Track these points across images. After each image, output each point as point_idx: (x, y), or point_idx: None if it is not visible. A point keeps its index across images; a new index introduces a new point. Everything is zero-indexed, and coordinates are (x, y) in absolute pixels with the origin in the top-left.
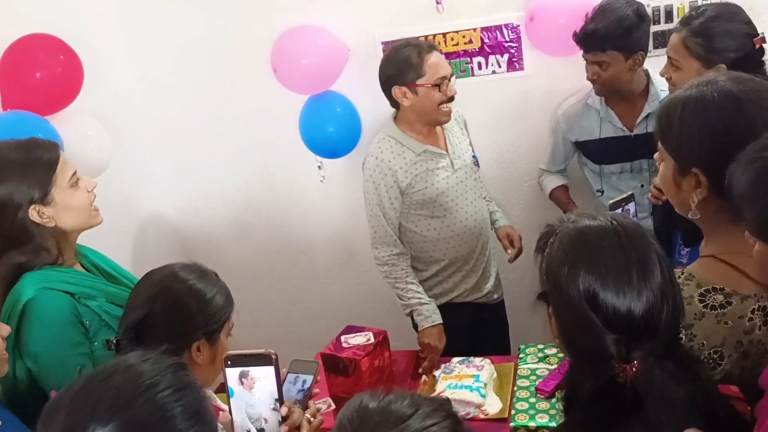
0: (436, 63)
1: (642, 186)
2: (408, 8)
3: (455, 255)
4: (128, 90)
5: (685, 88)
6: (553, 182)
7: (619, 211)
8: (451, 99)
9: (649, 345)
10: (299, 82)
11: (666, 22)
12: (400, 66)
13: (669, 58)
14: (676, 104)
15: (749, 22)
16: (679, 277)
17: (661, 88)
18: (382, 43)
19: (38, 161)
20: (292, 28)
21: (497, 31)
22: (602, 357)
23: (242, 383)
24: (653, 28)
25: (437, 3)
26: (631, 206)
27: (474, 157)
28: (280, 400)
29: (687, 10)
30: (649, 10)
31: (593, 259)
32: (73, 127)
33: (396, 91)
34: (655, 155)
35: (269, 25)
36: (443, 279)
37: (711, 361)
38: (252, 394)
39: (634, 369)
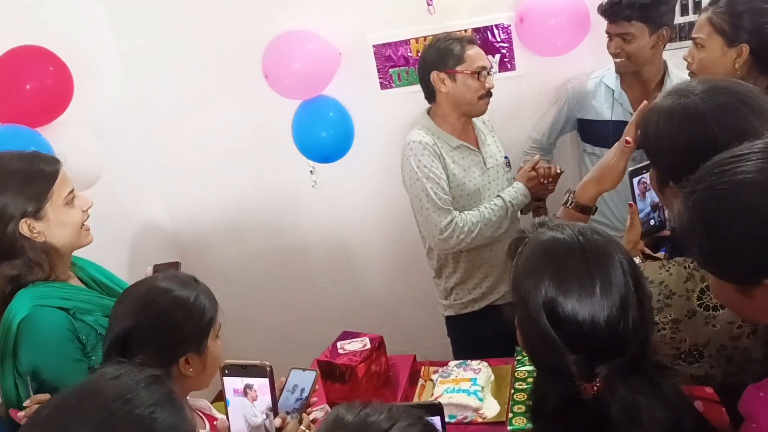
0: (476, 53)
1: None
2: (399, 10)
3: (490, 255)
4: (120, 99)
5: (662, 96)
6: None
7: (637, 179)
8: (489, 93)
9: (613, 363)
10: (291, 87)
11: None
12: (442, 53)
13: (693, 39)
14: (651, 117)
15: None
16: (688, 266)
17: (677, 81)
18: (374, 46)
19: (38, 174)
20: (283, 33)
21: (488, 32)
22: (564, 374)
23: (246, 394)
24: None
25: (428, 5)
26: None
27: (506, 158)
28: (274, 411)
29: (678, 7)
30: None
31: (556, 273)
32: (64, 138)
33: (434, 76)
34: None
35: (260, 31)
36: (480, 281)
37: (690, 357)
38: (254, 404)
39: (596, 388)
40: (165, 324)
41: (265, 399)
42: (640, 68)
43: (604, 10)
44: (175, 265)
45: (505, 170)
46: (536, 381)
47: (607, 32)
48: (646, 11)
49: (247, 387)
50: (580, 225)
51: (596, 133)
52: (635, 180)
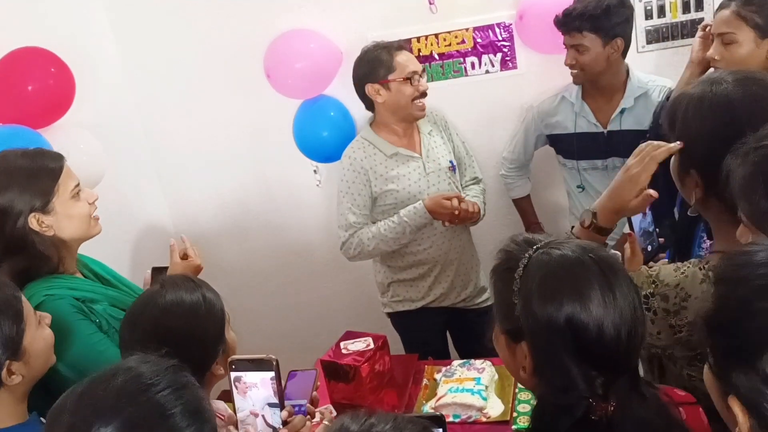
0: (405, 59)
1: None
2: (400, 10)
3: (426, 257)
4: (122, 99)
5: (693, 85)
6: (519, 190)
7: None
8: (423, 94)
9: (623, 380)
10: (293, 86)
11: (659, 17)
12: (372, 64)
13: (719, 35)
14: (681, 102)
15: None
16: (703, 268)
17: (638, 84)
18: None
19: (43, 170)
20: (285, 32)
21: (489, 31)
22: (578, 396)
23: (236, 388)
24: (646, 24)
25: (430, 3)
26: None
27: (451, 162)
28: (281, 404)
29: (680, 4)
30: (641, 6)
31: (577, 292)
32: (66, 140)
33: (369, 88)
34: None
35: (262, 31)
36: (416, 282)
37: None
38: (247, 399)
39: (611, 408)
40: (192, 345)
41: (263, 392)
42: (595, 78)
43: (557, 23)
44: None
45: (448, 174)
46: (541, 404)
47: (563, 44)
48: (596, 22)
49: (236, 380)
50: (578, 242)
51: (564, 146)
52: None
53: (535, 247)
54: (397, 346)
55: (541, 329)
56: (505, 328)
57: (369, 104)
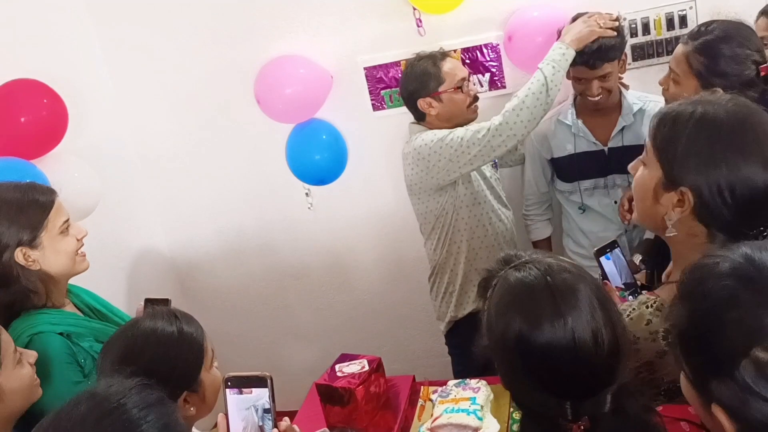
0: (452, 67)
1: (615, 203)
2: (389, 32)
3: (494, 250)
4: (115, 127)
5: (692, 101)
6: (537, 232)
7: (605, 258)
8: (475, 98)
9: (596, 399)
10: (284, 111)
11: (643, 34)
12: (420, 78)
13: (670, 69)
14: (687, 117)
15: (759, 49)
16: (651, 305)
17: (633, 101)
18: (365, 68)
19: (33, 203)
20: (275, 58)
21: (477, 51)
22: (550, 416)
23: (241, 392)
24: (631, 41)
25: (418, 26)
26: (616, 253)
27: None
28: (274, 423)
29: (664, 22)
30: (626, 24)
31: (526, 316)
32: (60, 169)
33: (421, 103)
34: (632, 163)
35: (252, 57)
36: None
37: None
38: (248, 402)
39: (582, 427)
40: (159, 377)
41: (259, 408)
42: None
43: (588, 59)
44: (166, 301)
45: (492, 171)
46: (522, 424)
47: (579, 78)
48: (622, 47)
49: (243, 386)
50: (548, 262)
51: (564, 168)
52: (602, 259)
53: (507, 267)
54: (394, 366)
55: (498, 348)
56: (485, 343)
57: (420, 116)
